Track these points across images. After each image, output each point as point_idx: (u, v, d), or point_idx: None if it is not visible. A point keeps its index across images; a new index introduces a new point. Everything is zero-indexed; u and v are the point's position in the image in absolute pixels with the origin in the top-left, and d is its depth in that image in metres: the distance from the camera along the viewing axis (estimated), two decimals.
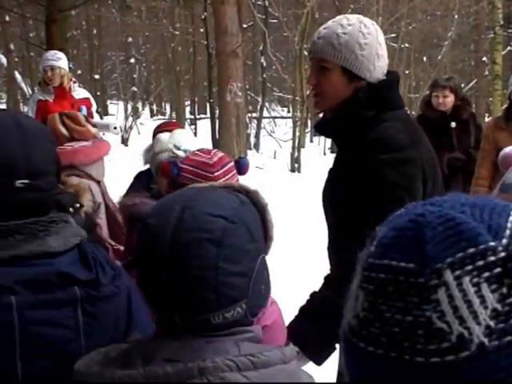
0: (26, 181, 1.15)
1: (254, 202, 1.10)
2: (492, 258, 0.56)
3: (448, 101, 4.42)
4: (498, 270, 0.56)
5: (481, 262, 0.56)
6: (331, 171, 2.18)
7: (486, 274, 0.56)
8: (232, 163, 1.80)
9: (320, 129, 2.18)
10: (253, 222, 1.06)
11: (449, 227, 0.58)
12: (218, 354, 0.96)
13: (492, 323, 0.55)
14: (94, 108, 5.76)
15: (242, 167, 1.74)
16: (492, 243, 0.57)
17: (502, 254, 0.57)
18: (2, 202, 1.16)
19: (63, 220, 1.22)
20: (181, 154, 2.36)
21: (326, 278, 2.05)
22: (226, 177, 1.75)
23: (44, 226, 1.17)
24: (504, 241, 0.57)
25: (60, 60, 5.51)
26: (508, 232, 0.58)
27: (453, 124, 4.38)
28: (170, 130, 3.01)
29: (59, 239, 1.18)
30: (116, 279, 1.21)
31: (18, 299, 1.11)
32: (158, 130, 3.70)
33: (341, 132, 2.04)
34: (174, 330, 1.01)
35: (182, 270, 0.98)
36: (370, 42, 1.95)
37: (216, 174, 1.75)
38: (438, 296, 0.56)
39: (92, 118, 5.63)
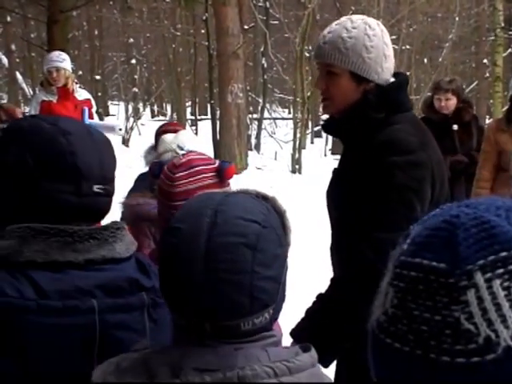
0: (101, 186, 1.21)
1: (274, 209, 1.11)
2: None
3: (450, 103, 4.41)
4: None
5: None
6: (336, 171, 2.19)
7: None
8: (206, 167, 1.75)
9: (328, 128, 2.19)
10: (278, 227, 1.07)
11: (482, 229, 0.58)
12: (250, 361, 0.95)
13: None
14: (93, 109, 5.78)
15: (221, 172, 1.70)
16: None
17: None
18: (82, 206, 1.21)
19: (123, 227, 1.26)
20: (182, 152, 2.37)
21: (331, 279, 2.05)
22: (190, 179, 1.71)
23: (113, 232, 1.22)
24: None
25: (64, 61, 5.54)
26: None
27: (455, 126, 4.38)
28: (173, 131, 3.02)
29: (123, 245, 1.23)
30: None
31: (98, 303, 1.16)
32: (160, 130, 3.72)
33: (349, 133, 2.04)
34: (201, 337, 0.99)
35: (218, 274, 0.97)
36: (376, 44, 1.95)
37: (177, 175, 1.73)
38: (468, 297, 0.56)
39: (92, 118, 5.65)
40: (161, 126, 3.78)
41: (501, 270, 0.57)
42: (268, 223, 1.03)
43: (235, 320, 0.98)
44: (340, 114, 2.02)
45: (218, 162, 1.77)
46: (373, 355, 0.64)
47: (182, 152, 2.38)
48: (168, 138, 2.50)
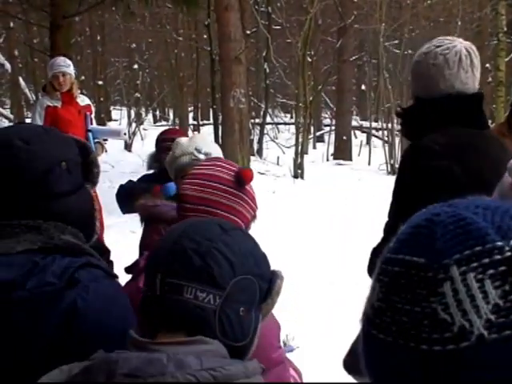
0: None
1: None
2: (498, 257, 0.60)
3: None
4: (503, 268, 0.60)
5: (486, 260, 0.60)
6: None
7: (491, 272, 0.60)
8: (224, 175, 1.77)
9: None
10: (258, 256, 1.16)
11: (459, 226, 0.62)
12: (180, 368, 0.96)
13: (493, 317, 0.59)
14: (92, 115, 5.83)
15: (238, 177, 1.71)
16: (499, 243, 0.61)
17: (508, 254, 0.60)
18: None
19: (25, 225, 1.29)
20: (202, 157, 2.38)
21: None
22: (206, 189, 1.76)
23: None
24: None
25: (70, 67, 5.59)
26: None
27: None
28: (171, 140, 3.05)
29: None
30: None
31: None
32: (162, 136, 3.72)
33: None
34: (147, 336, 1.04)
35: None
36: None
37: (197, 181, 1.81)
38: (444, 289, 0.60)
39: (92, 124, 5.68)
40: (162, 133, 3.80)
41: (475, 264, 0.60)
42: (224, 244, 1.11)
43: (180, 280, 1.04)
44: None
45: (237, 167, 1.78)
46: (362, 346, 0.68)
47: (201, 155, 2.39)
48: (183, 141, 2.50)
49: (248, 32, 12.83)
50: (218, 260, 1.05)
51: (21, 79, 17.12)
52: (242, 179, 1.69)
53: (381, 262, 0.67)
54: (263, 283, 1.12)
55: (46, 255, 1.22)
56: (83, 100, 5.75)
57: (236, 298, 1.06)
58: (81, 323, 1.19)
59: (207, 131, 16.98)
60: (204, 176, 1.69)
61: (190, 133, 16.99)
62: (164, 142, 3.57)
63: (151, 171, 3.74)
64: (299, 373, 1.71)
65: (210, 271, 1.04)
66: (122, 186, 3.51)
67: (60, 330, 1.17)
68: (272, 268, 1.19)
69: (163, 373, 0.96)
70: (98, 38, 21.35)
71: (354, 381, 1.86)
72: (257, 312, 1.11)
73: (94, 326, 1.20)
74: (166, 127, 19.99)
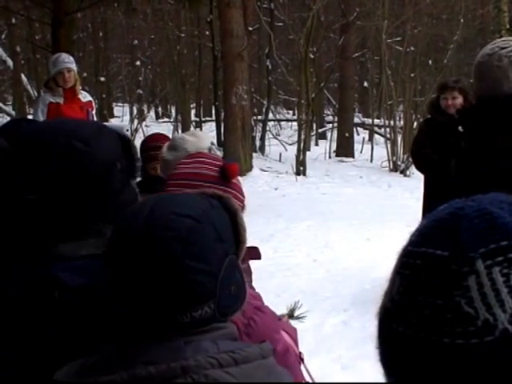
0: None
1: (226, 208, 1.13)
2: None
3: (457, 102, 4.40)
4: None
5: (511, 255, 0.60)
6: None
7: None
8: (211, 160, 1.75)
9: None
10: (221, 224, 1.08)
11: (484, 220, 0.62)
12: (198, 353, 0.98)
13: None
14: (94, 111, 5.85)
15: (223, 169, 1.69)
16: None
17: None
18: None
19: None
20: (218, 152, 2.36)
21: None
22: (190, 165, 1.73)
23: None
24: None
25: (73, 63, 5.62)
26: None
27: (460, 128, 4.37)
28: (158, 144, 3.00)
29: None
30: None
31: None
32: (146, 145, 3.59)
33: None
34: (149, 332, 1.02)
35: (150, 269, 1.00)
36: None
37: (181, 161, 1.77)
38: (469, 283, 0.60)
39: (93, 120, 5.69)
40: (144, 142, 3.64)
41: (501, 258, 0.60)
42: (205, 218, 1.05)
43: (170, 314, 1.01)
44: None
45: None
46: (380, 341, 0.68)
47: (218, 151, 2.37)
48: (191, 138, 2.45)
49: (250, 29, 12.80)
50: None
51: (23, 76, 17.12)
52: (227, 174, 1.67)
53: (401, 256, 0.66)
54: (231, 244, 1.10)
55: None
56: (85, 96, 5.76)
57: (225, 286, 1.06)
58: None
59: (209, 128, 16.98)
60: (188, 175, 1.66)
61: (192, 129, 16.98)
62: (149, 151, 3.47)
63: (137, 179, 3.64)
64: (293, 331, 1.69)
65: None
66: None
67: None
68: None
69: (185, 357, 0.97)
70: (100, 34, 21.34)
71: (362, 380, 1.87)
72: (239, 270, 1.11)
73: None
74: (168, 124, 20.01)
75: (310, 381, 1.72)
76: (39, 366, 1.16)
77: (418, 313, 0.62)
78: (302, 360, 1.68)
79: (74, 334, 1.17)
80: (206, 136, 2.53)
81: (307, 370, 1.70)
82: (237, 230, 1.13)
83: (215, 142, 2.48)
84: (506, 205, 0.64)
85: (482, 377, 0.59)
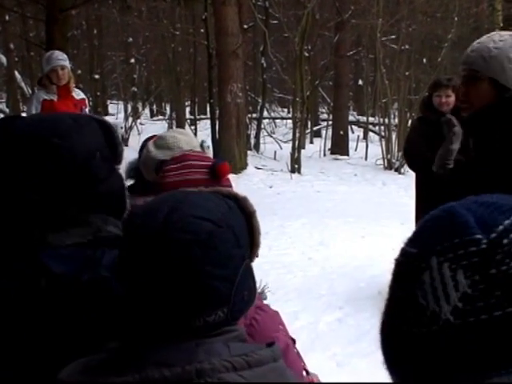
0: None
1: (241, 209, 1.12)
2: (473, 249, 0.65)
3: (450, 100, 4.40)
4: (476, 259, 0.64)
5: (461, 251, 0.65)
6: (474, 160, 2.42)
7: (464, 262, 0.64)
8: (198, 162, 1.73)
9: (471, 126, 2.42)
10: (239, 228, 1.07)
11: (447, 220, 0.68)
12: (211, 356, 0.97)
13: (460, 304, 0.64)
14: (87, 109, 5.85)
15: (213, 169, 1.67)
16: (478, 236, 0.65)
17: (484, 246, 0.64)
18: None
19: None
20: (207, 150, 2.34)
21: None
22: (179, 171, 1.70)
23: None
24: (493, 235, 0.65)
25: (67, 60, 5.63)
26: (501, 228, 0.65)
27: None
28: None
29: None
30: None
31: None
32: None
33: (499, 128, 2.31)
34: (159, 334, 1.01)
35: (166, 271, 0.98)
36: None
37: (167, 167, 1.77)
38: (424, 277, 0.66)
39: None
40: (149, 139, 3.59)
41: (451, 255, 0.65)
42: (224, 222, 1.03)
43: (185, 318, 1.00)
44: (471, 115, 2.32)
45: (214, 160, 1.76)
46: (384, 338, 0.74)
47: (207, 148, 2.35)
48: (180, 136, 2.43)
49: (245, 26, 12.79)
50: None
51: (16, 73, 17.06)
52: (217, 174, 1.65)
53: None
54: (247, 249, 1.09)
55: (96, 248, 1.25)
56: (78, 94, 5.77)
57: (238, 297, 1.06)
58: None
59: (204, 126, 16.96)
60: (178, 184, 1.62)
61: (187, 127, 16.97)
62: None
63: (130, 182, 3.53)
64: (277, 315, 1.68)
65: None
66: None
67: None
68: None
69: (199, 360, 0.96)
70: (95, 31, 21.26)
71: (357, 378, 1.86)
72: (252, 273, 1.11)
73: None
74: (163, 121, 19.98)
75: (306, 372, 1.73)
76: (38, 363, 1.16)
77: (392, 306, 0.70)
78: (294, 342, 1.68)
79: (68, 329, 1.17)
80: (191, 136, 2.52)
81: (299, 354, 1.70)
82: (252, 233, 1.12)
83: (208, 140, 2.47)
84: (475, 205, 0.68)
85: (433, 363, 0.66)
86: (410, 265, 0.68)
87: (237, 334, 1.05)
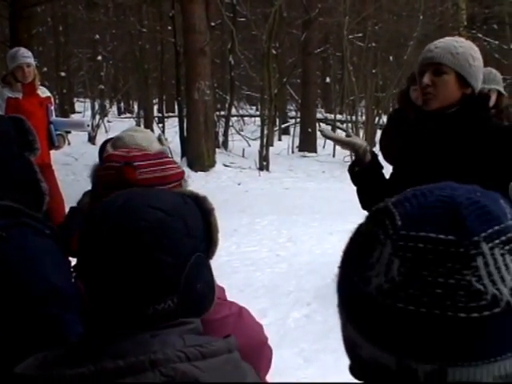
0: None
1: (200, 206, 1.14)
2: (510, 235, 0.71)
3: None
4: None
5: (504, 237, 0.71)
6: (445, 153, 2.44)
7: (507, 247, 0.71)
8: (173, 165, 1.74)
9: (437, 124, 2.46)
10: (192, 220, 1.09)
11: (477, 208, 0.72)
12: (165, 347, 0.99)
13: None
14: (53, 107, 5.78)
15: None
16: (510, 222, 0.72)
17: None
18: None
19: None
20: (165, 142, 2.33)
21: None
22: (152, 168, 1.70)
23: None
24: None
25: (32, 58, 5.57)
26: None
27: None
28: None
29: None
30: None
31: None
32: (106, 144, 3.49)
33: (464, 126, 2.37)
34: (114, 324, 1.03)
35: (119, 258, 1.01)
36: (478, 57, 2.34)
37: (140, 163, 1.75)
38: (477, 263, 0.69)
39: (52, 116, 5.62)
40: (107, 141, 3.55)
41: (497, 241, 0.70)
42: (176, 212, 1.07)
43: (137, 305, 1.02)
44: (439, 111, 2.37)
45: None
46: (372, 320, 0.73)
47: (166, 142, 2.33)
48: (139, 134, 2.42)
49: (213, 24, 12.77)
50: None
51: None
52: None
53: (393, 239, 0.73)
54: (201, 242, 1.11)
55: None
56: (44, 92, 5.70)
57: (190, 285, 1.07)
58: (2, 277, 1.31)
59: (172, 123, 16.88)
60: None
61: (154, 125, 16.87)
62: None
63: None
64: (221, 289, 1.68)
65: None
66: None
67: None
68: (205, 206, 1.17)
69: (153, 351, 0.97)
70: (61, 28, 21.00)
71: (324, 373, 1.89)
72: (209, 269, 1.12)
73: (15, 282, 1.31)
74: (131, 119, 19.82)
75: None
76: None
77: (428, 292, 0.70)
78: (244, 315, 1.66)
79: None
80: (148, 130, 2.52)
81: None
82: (210, 230, 1.14)
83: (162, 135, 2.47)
84: (481, 195, 0.74)
85: (492, 344, 0.69)
86: (451, 253, 0.70)
87: (193, 326, 1.06)
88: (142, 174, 1.62)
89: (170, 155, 1.83)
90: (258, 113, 18.26)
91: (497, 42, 17.36)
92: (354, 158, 2.94)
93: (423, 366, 0.70)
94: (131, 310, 1.02)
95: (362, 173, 2.63)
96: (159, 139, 2.30)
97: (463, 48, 2.33)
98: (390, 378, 0.72)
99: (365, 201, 2.66)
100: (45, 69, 17.50)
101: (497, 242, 0.70)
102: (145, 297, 1.02)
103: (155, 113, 19.89)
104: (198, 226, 1.10)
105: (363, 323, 0.73)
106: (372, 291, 0.72)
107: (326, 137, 2.73)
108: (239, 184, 10.89)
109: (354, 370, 0.77)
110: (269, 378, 1.62)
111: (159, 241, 1.02)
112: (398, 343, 0.71)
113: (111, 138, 3.70)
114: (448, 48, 2.34)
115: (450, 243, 0.70)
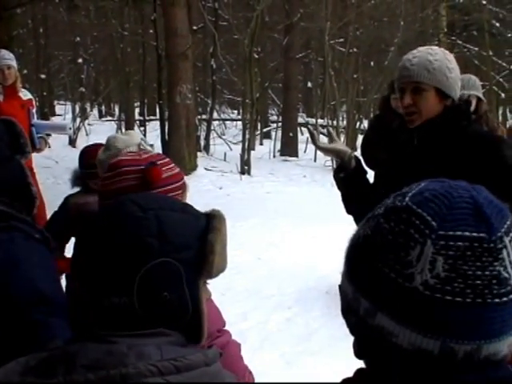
0: None
1: (206, 223, 1.13)
2: None
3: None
4: None
5: None
6: (423, 161, 2.48)
7: None
8: (131, 168, 1.71)
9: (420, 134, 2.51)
10: (174, 226, 1.07)
11: (494, 206, 0.84)
12: (141, 359, 0.97)
13: None
14: (34, 109, 5.74)
15: (144, 174, 1.69)
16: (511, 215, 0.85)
17: None
18: None
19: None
20: (149, 148, 2.33)
21: None
22: (112, 180, 1.69)
23: None
24: None
25: (14, 60, 5.51)
26: None
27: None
28: (95, 151, 2.84)
29: None
30: None
31: None
32: (90, 158, 3.34)
33: (443, 136, 2.43)
34: (81, 323, 1.05)
35: (85, 245, 1.08)
36: (453, 66, 2.40)
37: (104, 175, 1.76)
38: (503, 255, 0.82)
39: (34, 118, 5.58)
40: (86, 155, 3.41)
41: (511, 233, 0.83)
42: (153, 212, 1.08)
43: (98, 295, 1.03)
44: (424, 123, 2.43)
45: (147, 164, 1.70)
46: (419, 311, 0.82)
47: (148, 146, 2.34)
48: (121, 136, 2.42)
49: (195, 28, 12.77)
50: None
51: None
52: (148, 181, 1.65)
53: (433, 239, 0.82)
54: (181, 253, 1.06)
55: None
56: (25, 94, 5.66)
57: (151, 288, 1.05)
58: None
59: (153, 127, 16.83)
60: (111, 193, 1.63)
61: (136, 129, 16.81)
62: (91, 169, 3.14)
63: (75, 189, 3.44)
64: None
65: None
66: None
67: None
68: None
69: (125, 364, 0.96)
70: (41, 30, 20.86)
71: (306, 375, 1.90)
72: (191, 284, 1.07)
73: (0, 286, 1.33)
74: (112, 122, 19.72)
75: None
76: None
77: (470, 284, 0.81)
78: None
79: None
80: (137, 134, 2.53)
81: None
82: (204, 248, 1.09)
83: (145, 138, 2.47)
84: (486, 193, 0.86)
85: None
86: (484, 248, 0.81)
87: (173, 339, 1.03)
88: (164, 172, 1.68)
89: None
90: (239, 117, 18.27)
91: (476, 49, 17.55)
92: (336, 163, 2.97)
93: (465, 346, 0.81)
94: (91, 301, 1.04)
95: (348, 178, 2.66)
96: (139, 144, 2.31)
97: (439, 61, 2.38)
98: (429, 360, 0.82)
99: (350, 205, 2.68)
100: (25, 71, 17.37)
101: (511, 234, 0.83)
102: (101, 285, 1.03)
103: (136, 116, 19.82)
104: (182, 235, 1.07)
105: (406, 314, 0.82)
106: (417, 286, 0.82)
107: (313, 141, 2.75)
108: (221, 188, 10.89)
109: (370, 355, 0.87)
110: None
111: (121, 235, 1.03)
112: (445, 329, 0.81)
113: (92, 145, 3.65)
114: (424, 64, 2.37)
115: (483, 240, 0.81)
